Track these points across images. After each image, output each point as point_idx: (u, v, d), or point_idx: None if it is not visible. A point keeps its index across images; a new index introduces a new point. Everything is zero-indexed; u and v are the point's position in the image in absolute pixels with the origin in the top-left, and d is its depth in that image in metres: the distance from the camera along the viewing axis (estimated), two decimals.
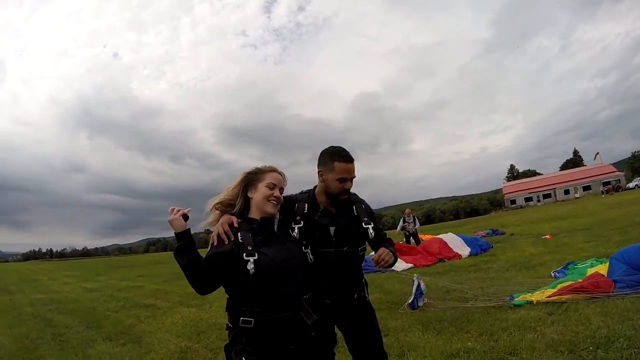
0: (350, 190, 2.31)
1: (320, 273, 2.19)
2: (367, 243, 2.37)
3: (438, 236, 12.95)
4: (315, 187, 2.37)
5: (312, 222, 2.23)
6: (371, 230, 2.24)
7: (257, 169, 2.15)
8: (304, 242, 2.12)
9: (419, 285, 5.66)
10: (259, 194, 2.06)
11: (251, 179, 2.11)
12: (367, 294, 2.39)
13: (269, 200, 2.05)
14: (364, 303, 2.35)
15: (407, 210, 16.23)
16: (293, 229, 2.18)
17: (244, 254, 1.85)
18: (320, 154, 2.32)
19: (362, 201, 2.36)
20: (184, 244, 1.85)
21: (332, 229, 2.23)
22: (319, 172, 2.31)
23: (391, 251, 2.18)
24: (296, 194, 2.39)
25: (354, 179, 2.28)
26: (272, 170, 2.14)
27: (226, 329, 1.95)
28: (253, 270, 1.81)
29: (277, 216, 2.14)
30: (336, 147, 2.29)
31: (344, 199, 2.27)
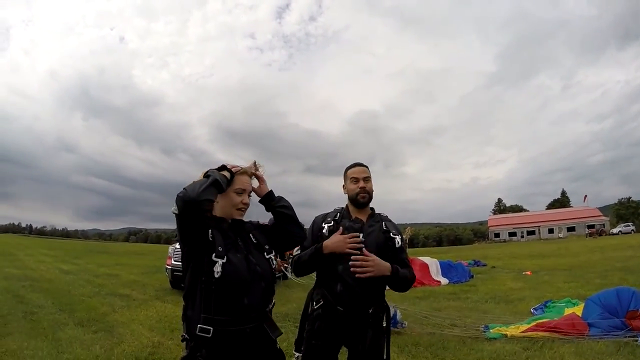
0: (371, 202, 2.41)
1: (339, 275, 2.18)
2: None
3: (421, 258, 12.71)
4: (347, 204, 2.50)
5: (342, 226, 2.31)
6: (398, 239, 2.31)
7: None
8: (267, 247, 1.91)
9: (395, 314, 5.50)
10: (226, 199, 1.84)
11: None
12: (385, 319, 2.27)
13: (237, 209, 1.86)
14: (377, 324, 2.22)
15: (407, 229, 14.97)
16: (323, 228, 2.31)
17: (213, 254, 1.65)
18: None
19: (391, 220, 2.46)
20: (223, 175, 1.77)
21: (360, 235, 2.26)
22: (343, 188, 2.48)
23: (401, 273, 2.19)
24: (330, 211, 2.50)
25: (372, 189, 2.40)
26: (243, 172, 1.90)
27: (182, 340, 1.72)
28: (219, 274, 1.63)
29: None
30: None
31: (364, 197, 2.34)
